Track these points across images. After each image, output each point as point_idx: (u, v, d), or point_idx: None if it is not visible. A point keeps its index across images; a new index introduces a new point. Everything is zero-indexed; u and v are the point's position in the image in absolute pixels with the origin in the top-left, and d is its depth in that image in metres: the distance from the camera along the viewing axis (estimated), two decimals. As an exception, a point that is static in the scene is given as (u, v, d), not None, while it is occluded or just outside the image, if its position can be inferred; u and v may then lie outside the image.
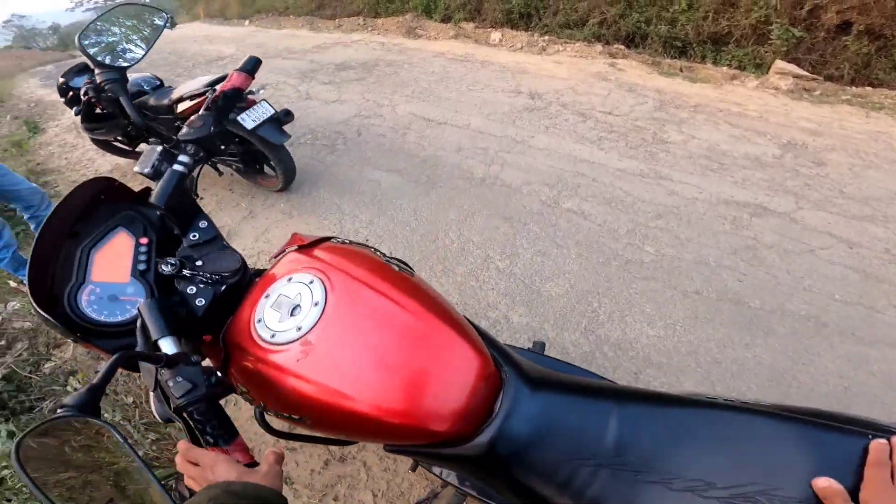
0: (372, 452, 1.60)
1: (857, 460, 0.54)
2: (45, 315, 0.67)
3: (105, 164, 4.05)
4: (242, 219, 2.85)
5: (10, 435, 1.61)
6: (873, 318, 1.99)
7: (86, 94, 2.90)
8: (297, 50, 7.88)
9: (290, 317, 0.70)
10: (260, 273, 0.86)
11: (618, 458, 0.65)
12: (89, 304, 0.73)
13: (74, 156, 4.46)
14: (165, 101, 2.79)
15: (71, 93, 2.96)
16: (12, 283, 2.65)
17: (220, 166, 3.06)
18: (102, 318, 0.73)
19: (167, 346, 0.63)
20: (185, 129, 0.88)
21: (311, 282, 0.72)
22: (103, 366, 0.53)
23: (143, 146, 3.49)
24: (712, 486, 0.58)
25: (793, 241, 2.39)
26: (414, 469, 1.32)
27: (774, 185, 2.84)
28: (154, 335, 0.63)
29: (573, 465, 0.66)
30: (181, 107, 2.69)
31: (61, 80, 3.01)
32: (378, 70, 5.76)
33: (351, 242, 0.85)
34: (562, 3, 6.56)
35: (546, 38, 6.51)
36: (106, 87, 0.87)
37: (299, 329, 0.68)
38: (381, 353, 0.67)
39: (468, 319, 0.80)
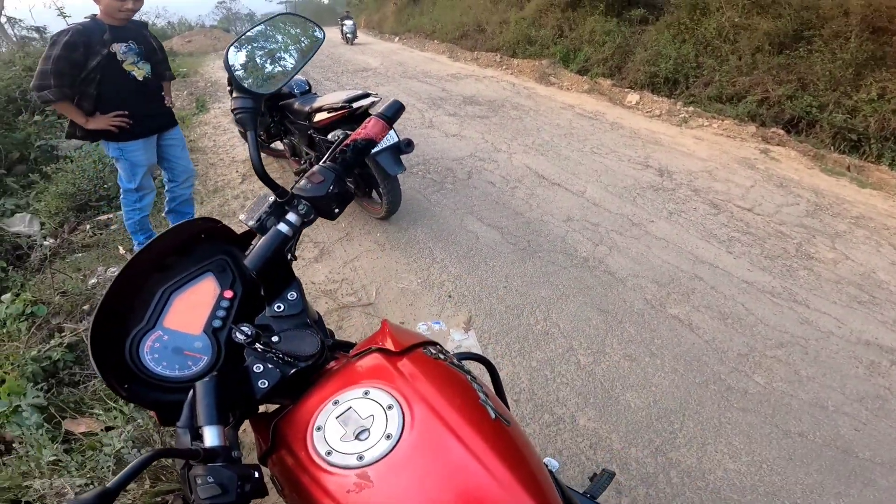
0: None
1: None
2: (95, 362, 0.66)
3: (243, 153, 4.65)
4: (338, 239, 3.08)
5: (40, 410, 1.64)
6: None
7: None
8: (433, 75, 8.46)
9: (354, 439, 0.64)
10: (341, 346, 0.82)
11: None
12: (152, 351, 0.70)
13: (221, 140, 5.22)
14: (307, 108, 3.09)
15: None
16: (121, 250, 3.04)
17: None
18: (160, 371, 0.69)
19: (210, 436, 0.59)
20: (302, 182, 0.81)
21: (390, 407, 0.65)
22: (128, 466, 0.49)
23: (277, 144, 3.95)
24: None
25: None
26: None
27: (941, 339, 2.36)
28: (201, 421, 0.59)
29: None
30: (318, 117, 2.92)
31: None
32: (503, 111, 5.94)
33: (446, 357, 0.77)
34: (718, 74, 6.17)
35: (690, 108, 6.17)
36: (237, 116, 0.77)
37: (361, 458, 0.62)
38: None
39: (555, 478, 0.72)
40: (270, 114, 3.60)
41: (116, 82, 2.30)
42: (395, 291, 2.61)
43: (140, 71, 2.37)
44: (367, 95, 2.85)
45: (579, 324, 2.35)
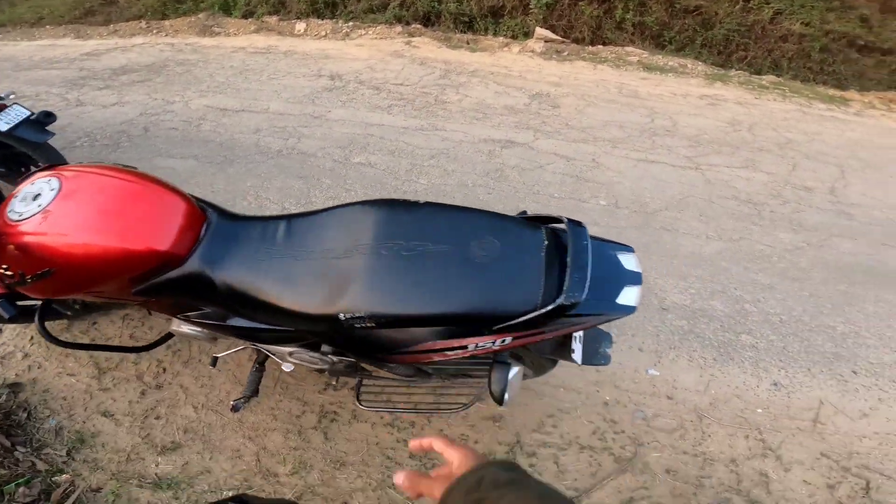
0: (188, 375, 1.99)
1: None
2: None
3: None
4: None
5: None
6: (580, 207, 3.00)
7: None
8: (60, 59, 7.32)
9: (32, 201, 1.16)
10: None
11: (286, 247, 1.20)
12: None
13: None
14: None
15: None
16: None
17: (-21, 174, 3.02)
18: None
19: None
20: None
21: (49, 180, 1.19)
22: None
23: None
24: (331, 251, 1.16)
25: (529, 162, 3.39)
26: (214, 364, 1.75)
27: (521, 124, 3.89)
28: None
29: (259, 260, 1.20)
30: None
31: None
32: (168, 70, 5.79)
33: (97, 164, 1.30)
34: (365, -12, 7.33)
35: (350, 24, 7.22)
36: None
37: (40, 205, 1.14)
38: (112, 206, 1.18)
39: (192, 196, 1.36)
40: None
41: None
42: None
43: None
44: None
45: (286, 192, 2.98)
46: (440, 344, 1.10)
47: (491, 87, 4.67)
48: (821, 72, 5.31)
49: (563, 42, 6.06)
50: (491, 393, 1.15)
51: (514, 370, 1.15)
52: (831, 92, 4.77)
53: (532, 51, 5.68)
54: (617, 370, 2.02)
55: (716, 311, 2.33)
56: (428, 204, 1.18)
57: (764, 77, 5.13)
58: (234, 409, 1.75)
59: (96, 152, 3.62)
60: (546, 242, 1.10)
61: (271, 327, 1.23)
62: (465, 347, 1.09)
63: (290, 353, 1.38)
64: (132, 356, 2.04)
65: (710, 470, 1.75)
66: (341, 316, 1.05)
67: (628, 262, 1.14)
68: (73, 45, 8.69)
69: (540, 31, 6.12)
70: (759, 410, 1.93)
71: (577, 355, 1.23)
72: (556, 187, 3.14)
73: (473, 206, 1.19)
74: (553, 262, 1.07)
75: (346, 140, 3.58)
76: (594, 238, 1.13)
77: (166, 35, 8.23)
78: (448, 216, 1.14)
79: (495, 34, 6.75)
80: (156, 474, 1.73)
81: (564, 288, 0.99)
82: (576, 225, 1.13)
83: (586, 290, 0.98)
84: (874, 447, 1.84)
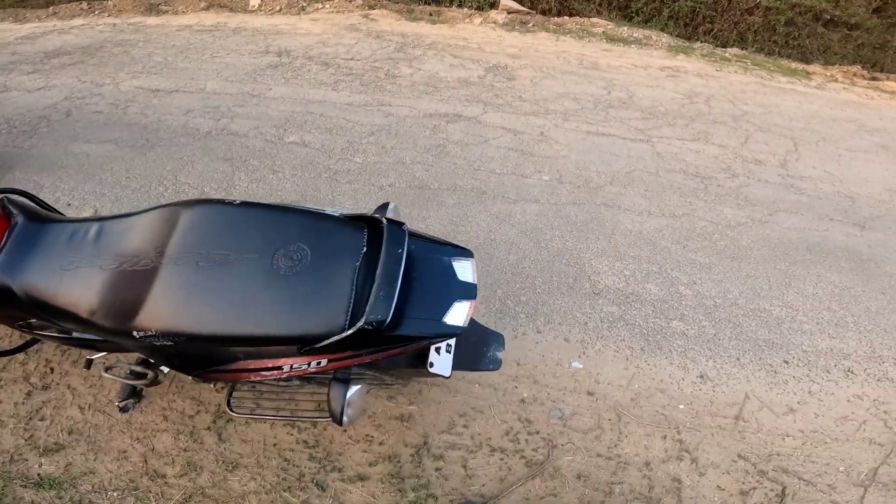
0: (77, 376, 1.88)
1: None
2: None
3: None
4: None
5: None
6: (521, 183, 2.91)
7: None
8: (-8, 43, 6.96)
9: None
10: None
11: (92, 255, 1.09)
12: None
13: None
14: None
15: None
16: None
17: None
18: None
19: None
20: None
21: None
22: None
23: None
24: (134, 260, 1.05)
25: (474, 136, 3.28)
26: (88, 366, 1.65)
27: (472, 98, 3.76)
28: None
29: (62, 269, 1.08)
30: None
31: None
32: (103, 52, 5.53)
33: None
34: (317, -39, 7.02)
35: (308, -2, 6.95)
36: None
37: None
38: None
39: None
40: None
41: None
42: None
43: None
44: None
45: (208, 175, 2.85)
46: (252, 364, 1.01)
47: (447, 59, 4.50)
48: (786, 45, 5.24)
49: (528, 13, 5.88)
50: (330, 412, 1.06)
51: (354, 389, 1.05)
52: (794, 65, 4.68)
53: (495, 22, 5.50)
54: (539, 363, 1.95)
55: (649, 294, 2.26)
56: (243, 204, 1.09)
57: (728, 50, 5.02)
58: (123, 409, 1.67)
59: (13, 139, 3.41)
60: (365, 249, 0.99)
61: (102, 338, 1.13)
62: (279, 368, 1.00)
63: (108, 370, 1.29)
64: (20, 356, 1.93)
65: (623, 475, 1.69)
66: (135, 334, 0.96)
67: (464, 271, 1.03)
68: (9, 29, 8.26)
69: (505, 2, 5.93)
70: (682, 407, 1.87)
71: (441, 367, 1.13)
72: (498, 163, 3.03)
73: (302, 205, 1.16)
74: (370, 273, 0.97)
75: (283, 119, 3.42)
76: (428, 240, 1.03)
77: (109, 15, 7.86)
78: (260, 219, 1.04)
79: (460, 5, 6.54)
80: (38, 475, 1.67)
81: (367, 308, 0.89)
82: (394, 226, 1.01)
83: (391, 310, 0.88)
84: (797, 447, 1.79)
